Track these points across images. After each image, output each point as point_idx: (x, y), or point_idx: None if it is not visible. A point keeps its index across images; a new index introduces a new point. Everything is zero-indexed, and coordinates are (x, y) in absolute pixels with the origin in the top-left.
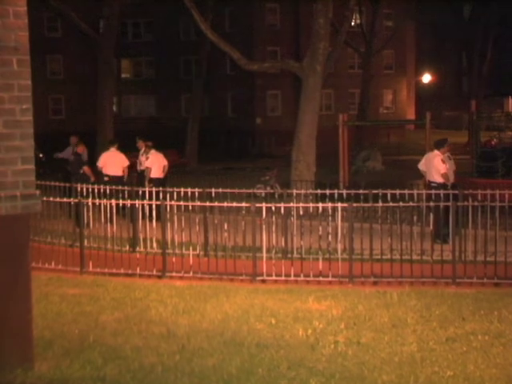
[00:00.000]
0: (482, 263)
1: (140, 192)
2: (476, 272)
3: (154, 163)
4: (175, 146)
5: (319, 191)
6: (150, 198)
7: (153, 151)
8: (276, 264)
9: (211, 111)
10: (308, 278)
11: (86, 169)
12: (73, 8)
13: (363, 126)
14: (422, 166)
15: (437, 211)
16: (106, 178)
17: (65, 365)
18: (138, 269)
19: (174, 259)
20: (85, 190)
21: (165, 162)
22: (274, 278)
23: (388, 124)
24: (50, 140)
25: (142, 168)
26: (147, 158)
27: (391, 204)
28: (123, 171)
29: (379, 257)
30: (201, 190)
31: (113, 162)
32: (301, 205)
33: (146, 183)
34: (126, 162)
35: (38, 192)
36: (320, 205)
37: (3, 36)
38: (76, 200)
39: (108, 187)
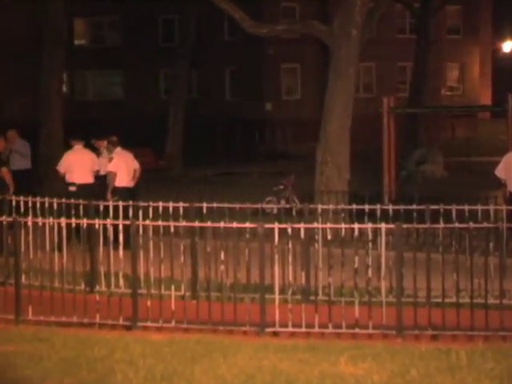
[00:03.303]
0: None
1: (101, 207)
2: None
3: (120, 167)
4: (151, 143)
5: (354, 206)
6: (116, 216)
7: (118, 150)
8: (294, 310)
9: (202, 93)
10: (339, 330)
11: (4, 172)
12: None
13: (418, 115)
14: (500, 171)
15: None
16: (71, 188)
17: None
18: (98, 316)
19: (148, 303)
20: (22, 204)
21: (135, 165)
22: (290, 329)
23: (453, 111)
24: None
25: (103, 173)
26: (110, 160)
27: (457, 225)
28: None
29: (440, 300)
30: (187, 204)
31: (80, 164)
32: (329, 226)
33: (109, 195)
34: (96, 165)
35: None
36: (356, 226)
37: None
38: (10, 219)
39: (56, 201)
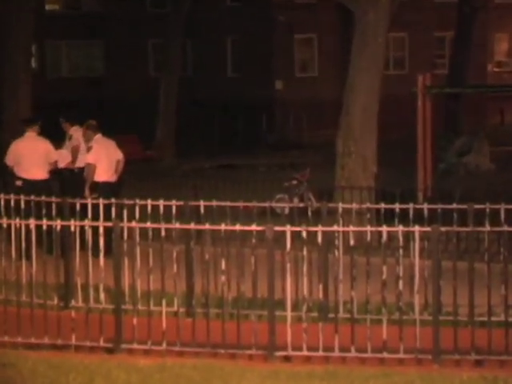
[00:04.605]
0: None
1: (77, 206)
2: None
3: (101, 157)
4: (137, 129)
5: (383, 206)
6: (95, 217)
7: (98, 137)
8: (309, 329)
9: (199, 69)
10: (364, 355)
11: None
12: None
13: (459, 96)
14: None
15: None
16: (17, 183)
17: None
18: (74, 337)
19: (134, 321)
20: None
21: (118, 156)
22: (305, 353)
23: (502, 92)
24: None
25: (80, 165)
26: (89, 149)
27: (506, 228)
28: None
29: (485, 318)
30: (181, 202)
31: (31, 156)
32: (351, 228)
33: (87, 191)
34: (53, 156)
35: None
36: (384, 229)
37: None
38: None
39: (23, 198)
